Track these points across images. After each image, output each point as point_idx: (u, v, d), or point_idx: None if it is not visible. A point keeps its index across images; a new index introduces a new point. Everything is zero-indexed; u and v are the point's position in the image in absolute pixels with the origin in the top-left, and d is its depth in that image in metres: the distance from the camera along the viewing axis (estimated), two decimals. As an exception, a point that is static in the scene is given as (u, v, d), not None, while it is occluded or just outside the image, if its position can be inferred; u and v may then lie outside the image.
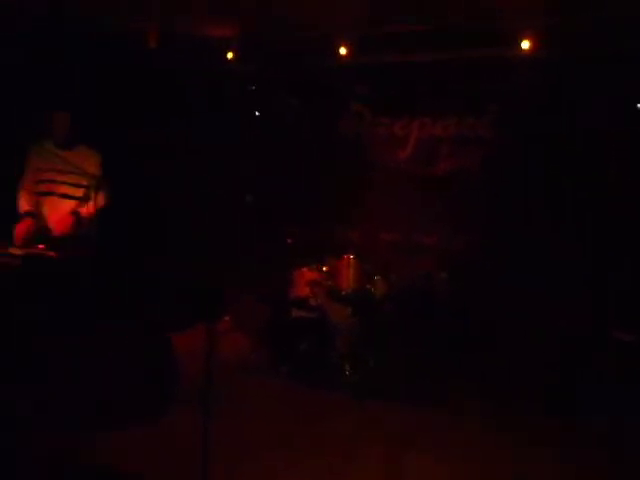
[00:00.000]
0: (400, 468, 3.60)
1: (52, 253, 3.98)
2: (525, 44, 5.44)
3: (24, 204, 4.47)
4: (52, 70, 5.15)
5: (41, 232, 4.42)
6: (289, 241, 5.93)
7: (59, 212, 4.51)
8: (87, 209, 4.49)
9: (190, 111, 6.30)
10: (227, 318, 6.67)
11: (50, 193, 4.54)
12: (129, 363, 3.91)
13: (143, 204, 5.76)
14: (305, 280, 5.47)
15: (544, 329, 4.71)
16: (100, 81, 5.54)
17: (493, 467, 3.65)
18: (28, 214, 4.42)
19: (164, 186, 6.12)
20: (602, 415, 4.30)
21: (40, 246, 4.07)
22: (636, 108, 5.34)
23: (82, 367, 3.70)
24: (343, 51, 6.14)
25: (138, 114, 5.90)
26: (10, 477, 3.15)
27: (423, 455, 3.75)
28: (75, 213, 4.49)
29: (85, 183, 4.50)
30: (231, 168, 6.63)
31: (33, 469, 3.24)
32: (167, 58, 6.17)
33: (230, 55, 6.48)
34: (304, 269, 5.55)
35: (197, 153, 6.28)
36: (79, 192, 4.53)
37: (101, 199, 4.57)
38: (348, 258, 5.33)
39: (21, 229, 4.30)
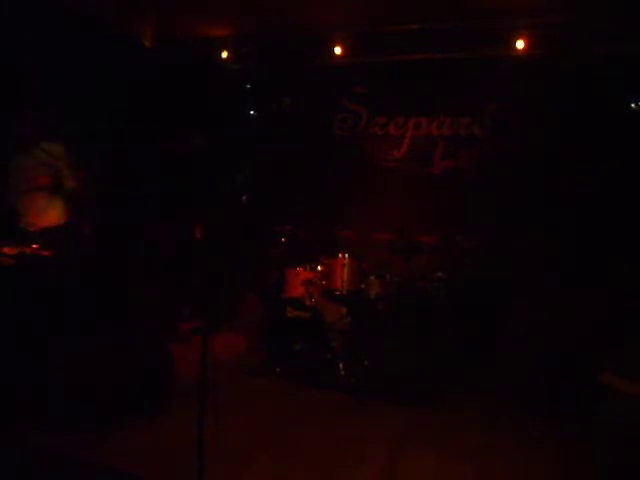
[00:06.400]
0: (399, 468, 3.58)
1: (46, 252, 3.95)
2: (522, 44, 5.46)
3: None
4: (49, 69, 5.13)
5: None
6: (283, 240, 5.91)
7: (37, 207, 4.53)
8: (63, 198, 4.55)
9: (187, 110, 6.25)
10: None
11: (30, 190, 4.55)
12: (126, 363, 3.88)
13: (142, 203, 5.73)
14: (300, 280, 5.43)
15: (544, 328, 4.71)
16: (98, 80, 5.51)
17: (493, 467, 3.65)
18: None
19: (163, 185, 6.07)
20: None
21: (34, 245, 4.06)
22: (635, 108, 5.37)
23: (80, 367, 3.67)
24: (339, 50, 6.13)
25: (136, 113, 5.86)
26: (11, 476, 3.11)
27: (423, 455, 3.74)
28: (53, 204, 4.53)
29: (58, 174, 4.55)
30: (228, 167, 6.59)
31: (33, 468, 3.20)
32: (164, 57, 6.13)
33: (226, 54, 6.45)
34: (299, 269, 5.52)
35: (196, 152, 6.23)
36: (55, 182, 4.57)
37: (74, 185, 4.57)
38: (343, 258, 5.31)
39: None
